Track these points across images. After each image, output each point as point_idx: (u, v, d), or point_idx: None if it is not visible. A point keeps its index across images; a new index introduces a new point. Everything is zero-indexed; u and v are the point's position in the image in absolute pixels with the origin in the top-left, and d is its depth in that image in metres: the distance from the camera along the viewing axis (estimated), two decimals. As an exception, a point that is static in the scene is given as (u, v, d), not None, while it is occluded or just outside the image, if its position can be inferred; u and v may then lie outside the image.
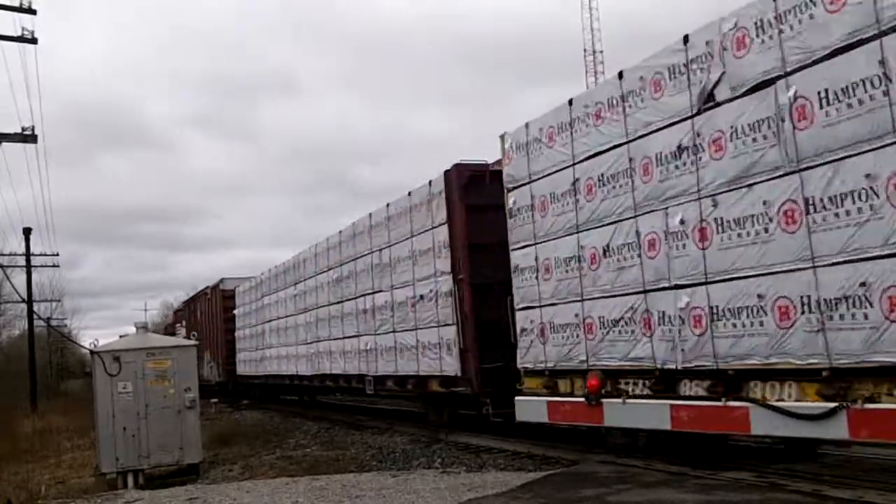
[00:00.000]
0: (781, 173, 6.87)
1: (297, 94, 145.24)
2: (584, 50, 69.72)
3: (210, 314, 30.70)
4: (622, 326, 8.63)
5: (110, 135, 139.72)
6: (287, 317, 21.23)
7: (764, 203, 7.01)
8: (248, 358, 25.91)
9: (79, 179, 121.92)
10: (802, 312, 6.63)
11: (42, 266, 37.64)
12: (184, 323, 36.95)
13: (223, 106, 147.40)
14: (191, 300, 36.77)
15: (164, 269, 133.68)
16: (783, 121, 6.81)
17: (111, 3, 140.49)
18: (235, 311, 27.07)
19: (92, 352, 12.43)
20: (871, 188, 6.11)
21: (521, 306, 10.42)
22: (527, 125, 10.24)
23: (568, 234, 9.52)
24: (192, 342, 14.16)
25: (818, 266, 6.51)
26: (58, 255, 37.96)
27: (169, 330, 44.48)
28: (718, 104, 7.52)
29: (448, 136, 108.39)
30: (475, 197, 12.00)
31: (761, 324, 7.01)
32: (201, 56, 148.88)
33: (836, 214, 6.38)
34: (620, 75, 8.77)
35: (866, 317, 6.14)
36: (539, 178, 10.06)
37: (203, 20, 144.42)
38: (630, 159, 8.55)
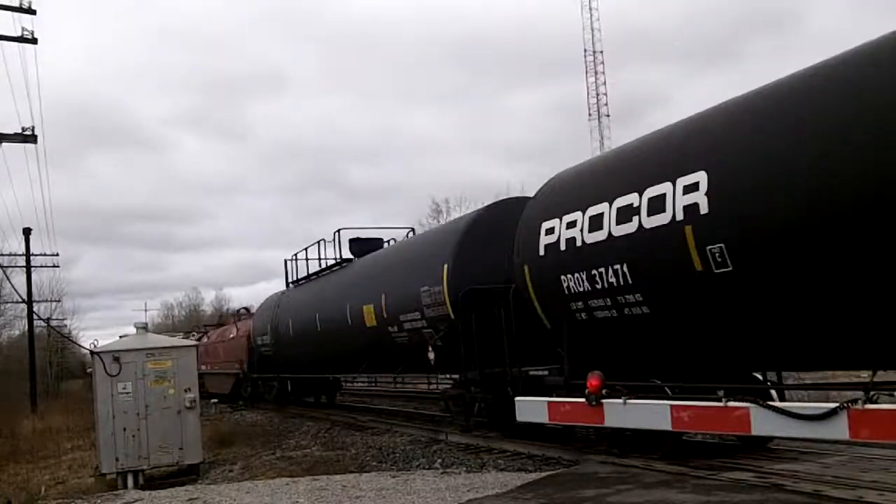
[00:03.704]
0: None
1: (290, 94, 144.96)
2: (585, 50, 69.80)
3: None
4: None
5: (105, 135, 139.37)
6: None
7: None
8: None
9: (75, 180, 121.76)
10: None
11: (42, 266, 37.72)
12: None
13: (219, 106, 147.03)
14: None
15: (163, 270, 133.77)
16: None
17: (107, 4, 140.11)
18: None
19: (92, 352, 12.43)
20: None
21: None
22: None
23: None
24: (192, 343, 14.16)
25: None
26: (57, 255, 38.06)
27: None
28: None
29: (442, 135, 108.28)
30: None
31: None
32: (194, 56, 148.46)
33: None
34: None
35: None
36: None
37: (194, 20, 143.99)
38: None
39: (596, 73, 69.34)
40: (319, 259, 20.20)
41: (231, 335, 28.77)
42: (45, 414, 27.01)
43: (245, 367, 26.07)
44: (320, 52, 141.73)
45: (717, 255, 7.05)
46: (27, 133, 19.56)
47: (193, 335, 41.59)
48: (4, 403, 27.03)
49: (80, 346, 41.82)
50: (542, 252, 9.68)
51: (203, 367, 31.89)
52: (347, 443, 14.28)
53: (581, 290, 9.01)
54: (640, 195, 8.04)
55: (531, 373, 10.56)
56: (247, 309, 30.82)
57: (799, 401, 9.06)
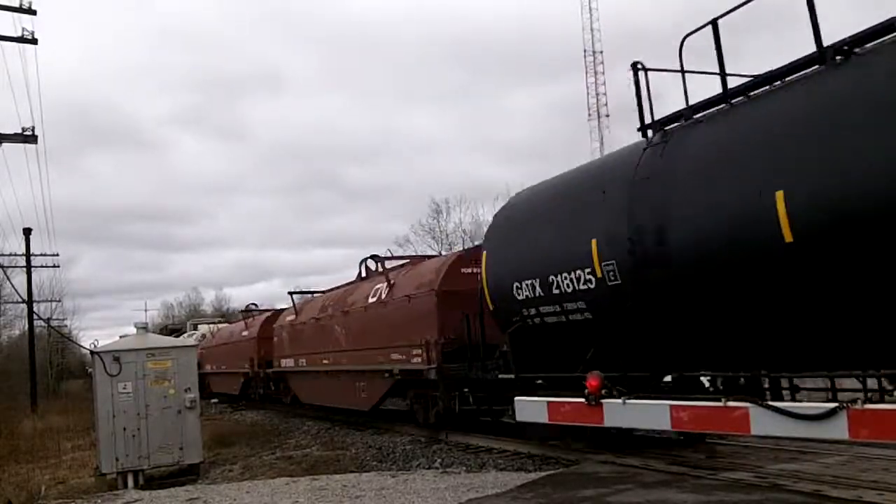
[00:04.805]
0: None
1: (290, 94, 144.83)
2: (584, 50, 69.79)
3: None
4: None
5: (104, 135, 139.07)
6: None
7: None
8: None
9: (75, 180, 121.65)
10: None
11: (42, 266, 37.71)
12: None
13: (219, 106, 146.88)
14: None
15: (163, 270, 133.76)
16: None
17: (107, 4, 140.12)
18: None
19: (92, 352, 12.43)
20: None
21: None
22: None
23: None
24: (192, 342, 14.16)
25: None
26: (58, 255, 38.04)
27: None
28: None
29: (442, 135, 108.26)
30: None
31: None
32: (194, 56, 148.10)
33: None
34: None
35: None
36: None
37: (194, 20, 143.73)
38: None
39: (596, 73, 69.39)
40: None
41: (375, 296, 15.36)
42: (45, 414, 27.00)
43: (435, 357, 12.71)
44: (320, 52, 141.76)
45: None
46: (27, 133, 19.57)
47: (188, 332, 40.10)
48: (4, 403, 27.04)
49: (80, 346, 41.87)
50: None
51: (287, 363, 20.30)
52: (347, 442, 14.29)
53: None
54: None
55: None
56: (374, 257, 16.94)
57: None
